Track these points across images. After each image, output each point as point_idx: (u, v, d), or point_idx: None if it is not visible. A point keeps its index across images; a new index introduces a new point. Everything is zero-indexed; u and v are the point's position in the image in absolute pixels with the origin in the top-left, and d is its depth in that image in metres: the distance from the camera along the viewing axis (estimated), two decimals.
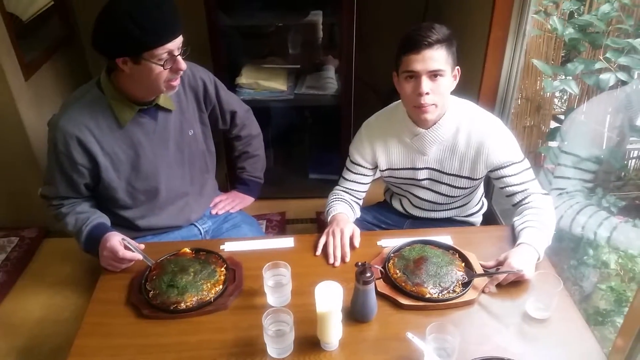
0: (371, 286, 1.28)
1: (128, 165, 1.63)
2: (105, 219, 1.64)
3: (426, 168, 1.68)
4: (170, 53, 1.46)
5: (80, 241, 1.61)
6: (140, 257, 1.50)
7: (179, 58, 1.48)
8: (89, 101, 1.56)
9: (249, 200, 2.07)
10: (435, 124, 1.59)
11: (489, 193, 2.33)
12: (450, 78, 1.53)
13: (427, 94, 1.50)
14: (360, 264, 1.28)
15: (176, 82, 1.53)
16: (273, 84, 2.56)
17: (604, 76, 1.88)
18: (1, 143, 2.38)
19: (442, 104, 1.55)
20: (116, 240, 1.50)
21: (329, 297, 1.20)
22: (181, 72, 1.52)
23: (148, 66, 1.45)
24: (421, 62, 1.47)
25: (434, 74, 1.48)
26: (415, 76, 1.50)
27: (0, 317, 2.14)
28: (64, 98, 2.19)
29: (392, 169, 1.72)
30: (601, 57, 1.93)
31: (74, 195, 1.64)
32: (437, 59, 1.47)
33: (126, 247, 1.50)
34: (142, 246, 1.54)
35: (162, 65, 1.46)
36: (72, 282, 2.25)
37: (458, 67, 1.55)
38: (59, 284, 2.26)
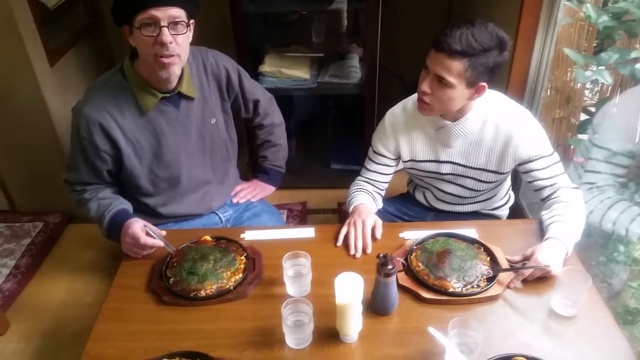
0: (392, 279, 1.26)
1: (150, 153, 1.62)
2: (127, 205, 1.65)
3: (449, 162, 1.64)
4: (156, 22, 1.40)
5: (102, 227, 1.61)
6: (161, 243, 1.50)
7: (164, 29, 1.40)
8: (112, 88, 1.55)
9: (270, 189, 2.05)
10: (462, 117, 1.54)
11: (516, 186, 2.27)
12: (461, 91, 1.43)
13: (425, 92, 1.45)
14: (381, 255, 1.26)
15: (167, 60, 1.44)
16: (296, 73, 2.53)
17: None
18: (26, 129, 2.41)
19: (441, 109, 1.50)
20: (138, 226, 1.50)
21: (349, 289, 1.18)
22: (166, 47, 1.42)
23: (137, 35, 1.43)
24: (434, 61, 1.41)
25: (439, 79, 1.42)
26: (427, 70, 1.45)
27: (24, 301, 2.18)
28: (88, 84, 2.20)
29: (415, 161, 1.68)
30: (638, 46, 1.85)
31: (96, 181, 1.65)
32: (448, 67, 1.39)
33: (148, 234, 1.50)
34: (164, 233, 1.54)
35: (140, 30, 1.40)
36: (94, 268, 2.28)
37: (484, 83, 1.43)
38: (81, 269, 2.30)
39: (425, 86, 1.45)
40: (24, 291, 2.22)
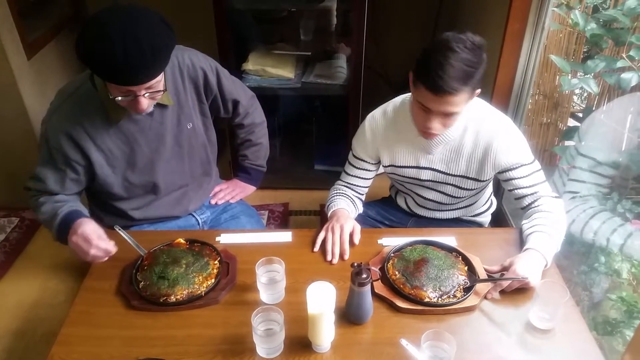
0: (367, 288, 1.23)
1: (123, 161, 1.57)
2: (82, 208, 1.57)
3: (430, 169, 1.61)
4: (131, 92, 1.35)
5: (53, 227, 1.51)
6: (112, 250, 1.44)
7: (141, 99, 1.35)
8: (82, 96, 1.48)
9: (250, 189, 2.01)
10: None
11: (499, 192, 2.25)
12: (465, 107, 1.41)
13: (436, 129, 1.43)
14: (356, 264, 1.23)
15: (141, 112, 1.43)
16: (280, 72, 2.48)
17: (625, 75, 1.78)
18: (2, 123, 2.35)
19: (446, 130, 1.49)
20: (90, 228, 1.44)
21: (321, 299, 1.15)
22: (143, 111, 1.41)
23: (109, 89, 1.37)
24: (437, 103, 1.36)
25: (445, 114, 1.39)
26: (428, 110, 1.40)
27: None
28: (67, 78, 2.15)
29: (395, 166, 1.65)
30: (624, 55, 1.83)
31: (60, 192, 1.58)
32: (456, 103, 1.35)
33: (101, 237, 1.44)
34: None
35: (112, 95, 1.36)
36: (70, 266, 2.22)
37: (479, 89, 1.42)
38: (56, 267, 2.23)
39: (435, 126, 1.42)
40: None
